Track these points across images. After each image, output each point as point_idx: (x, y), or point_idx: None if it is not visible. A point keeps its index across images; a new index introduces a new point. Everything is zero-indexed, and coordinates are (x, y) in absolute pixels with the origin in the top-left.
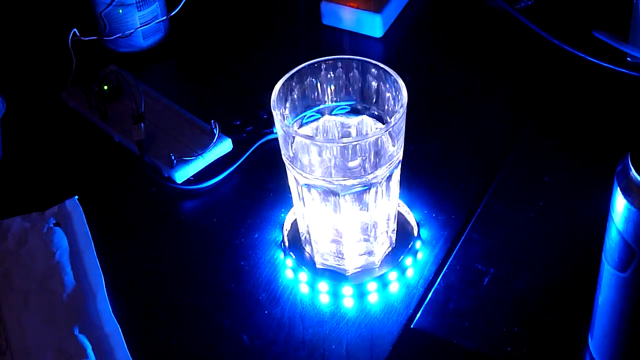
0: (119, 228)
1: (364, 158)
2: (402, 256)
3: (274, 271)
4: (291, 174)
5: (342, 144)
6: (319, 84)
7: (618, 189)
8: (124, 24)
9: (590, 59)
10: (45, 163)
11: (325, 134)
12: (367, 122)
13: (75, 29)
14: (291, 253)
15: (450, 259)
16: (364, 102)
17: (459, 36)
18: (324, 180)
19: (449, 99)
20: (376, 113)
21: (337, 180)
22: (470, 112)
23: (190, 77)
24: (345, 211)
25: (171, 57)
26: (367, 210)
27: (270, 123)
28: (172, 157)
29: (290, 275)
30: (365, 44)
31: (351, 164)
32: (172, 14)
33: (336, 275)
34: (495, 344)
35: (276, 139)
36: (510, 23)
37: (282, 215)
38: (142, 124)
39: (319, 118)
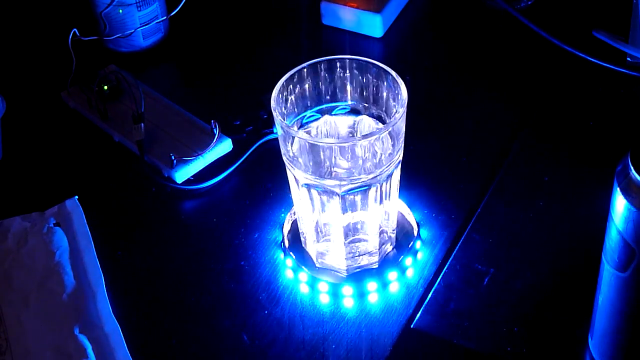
0: (119, 228)
1: (364, 158)
2: (402, 256)
3: (274, 271)
4: (291, 174)
5: (342, 144)
6: (319, 84)
7: (618, 189)
8: (124, 24)
9: (590, 59)
10: (45, 163)
11: (325, 134)
12: (367, 122)
13: (75, 29)
14: (291, 253)
15: (450, 259)
16: (364, 102)
17: (459, 36)
18: (324, 180)
19: (449, 99)
20: (376, 113)
21: (337, 180)
22: (471, 112)
23: (190, 77)
24: (345, 211)
25: (171, 57)
26: (367, 210)
27: (270, 123)
28: (172, 157)
29: (290, 275)
30: (365, 44)
31: (351, 164)
32: (172, 14)
33: (336, 275)
34: (495, 344)
35: (276, 139)
36: (510, 23)
37: (282, 215)
38: (142, 124)
39: (319, 118)
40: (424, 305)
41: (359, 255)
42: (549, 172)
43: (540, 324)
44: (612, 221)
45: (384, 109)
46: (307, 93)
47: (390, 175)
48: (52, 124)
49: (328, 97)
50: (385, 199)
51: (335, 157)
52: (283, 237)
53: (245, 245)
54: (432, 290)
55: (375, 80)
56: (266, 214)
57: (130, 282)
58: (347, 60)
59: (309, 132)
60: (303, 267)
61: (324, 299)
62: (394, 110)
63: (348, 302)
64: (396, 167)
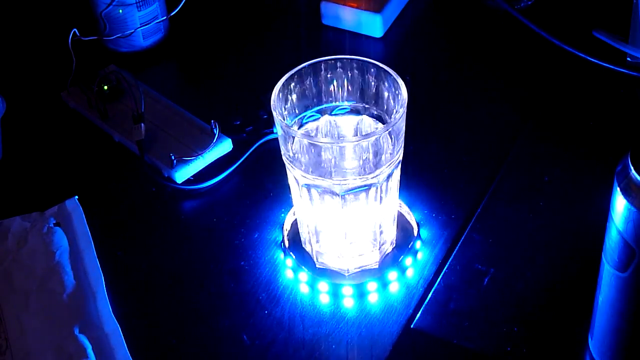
0: (119, 228)
1: (364, 158)
2: (402, 256)
3: (274, 271)
4: (291, 174)
5: (342, 144)
6: (319, 84)
7: (618, 189)
8: (124, 24)
9: (590, 59)
10: (45, 163)
11: (325, 134)
12: (367, 122)
13: (75, 29)
14: (291, 253)
15: (450, 259)
16: (364, 102)
17: (459, 36)
18: (324, 180)
19: (449, 98)
20: (376, 113)
21: (337, 180)
22: (470, 112)
23: (190, 77)
24: (345, 211)
25: (171, 57)
26: (367, 210)
27: (270, 123)
28: (172, 157)
29: (290, 275)
30: (365, 44)
31: (351, 164)
32: (172, 14)
33: (336, 275)
34: (495, 344)
35: (276, 139)
36: (510, 23)
37: (282, 215)
38: (142, 124)
39: (319, 118)
40: (424, 305)
41: (359, 255)
42: (549, 172)
43: (540, 324)
44: (612, 221)
45: (384, 109)
46: (307, 93)
47: (390, 175)
48: (52, 124)
49: (328, 97)
50: (385, 199)
51: (335, 157)
52: (283, 237)
53: (245, 245)
54: (432, 290)
55: (375, 80)
56: (266, 214)
57: (130, 282)
58: (347, 60)
59: (309, 132)
60: (303, 267)
61: (324, 299)
62: (394, 110)
63: (348, 302)
64: (396, 167)
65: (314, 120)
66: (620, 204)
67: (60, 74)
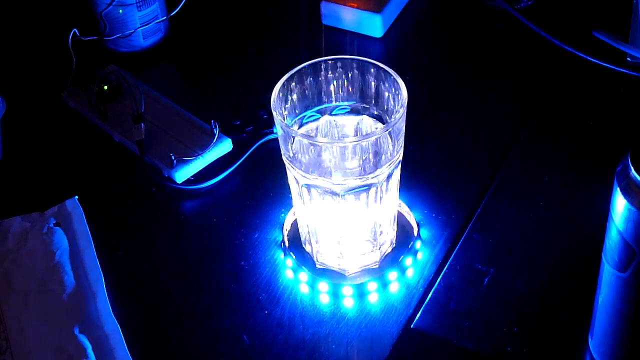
0: (119, 228)
1: (364, 158)
2: (402, 256)
3: (274, 271)
4: (291, 174)
5: (342, 144)
6: (319, 84)
7: (618, 189)
8: (124, 24)
9: (590, 59)
10: (45, 163)
11: (325, 134)
12: (367, 122)
13: (75, 29)
14: (291, 253)
15: (450, 259)
16: (364, 102)
17: (459, 36)
18: (324, 180)
19: (448, 99)
20: (376, 113)
21: (337, 180)
22: (470, 112)
23: (190, 77)
24: (346, 211)
25: (171, 57)
26: (367, 210)
27: (270, 123)
28: (172, 157)
29: (290, 275)
30: (365, 44)
31: (351, 164)
32: (172, 14)
33: (336, 275)
34: (495, 344)
35: (276, 139)
36: (510, 23)
37: (282, 215)
38: (142, 124)
39: (319, 118)
40: (424, 305)
41: (359, 255)
42: (549, 172)
43: (540, 324)
44: (612, 221)
45: (384, 109)
46: (307, 93)
47: (390, 175)
48: (52, 124)
49: (328, 97)
50: (385, 199)
51: (335, 157)
52: (283, 237)
53: (245, 245)
54: (432, 290)
55: (375, 80)
56: (266, 214)
57: (130, 282)
58: (347, 60)
59: (309, 132)
60: (303, 267)
61: (324, 299)
62: (394, 110)
63: (348, 302)
64: (396, 167)
65: (314, 120)
66: (620, 204)
67: (60, 74)
